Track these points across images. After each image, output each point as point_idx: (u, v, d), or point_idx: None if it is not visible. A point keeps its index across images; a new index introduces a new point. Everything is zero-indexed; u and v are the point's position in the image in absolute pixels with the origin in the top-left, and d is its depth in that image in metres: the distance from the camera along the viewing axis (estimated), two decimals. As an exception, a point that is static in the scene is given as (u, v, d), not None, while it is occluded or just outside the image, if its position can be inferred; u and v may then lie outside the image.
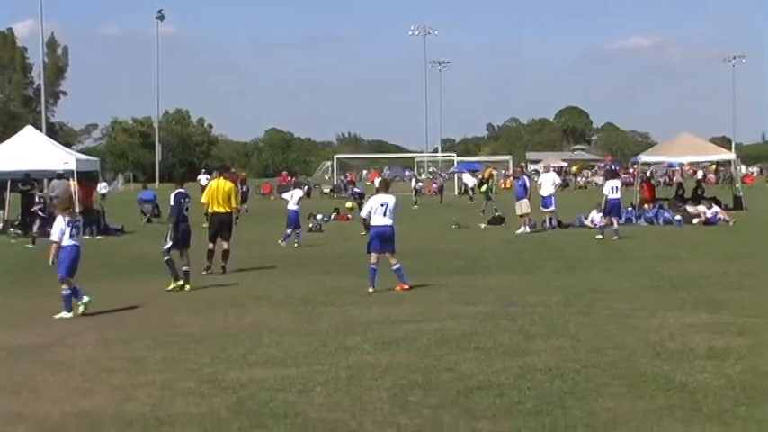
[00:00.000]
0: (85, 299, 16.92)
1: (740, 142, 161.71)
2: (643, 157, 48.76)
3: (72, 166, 39.39)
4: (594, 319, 15.38)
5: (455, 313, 16.34)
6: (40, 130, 60.01)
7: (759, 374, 11.17)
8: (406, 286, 19.38)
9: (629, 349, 12.79)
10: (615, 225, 32.45)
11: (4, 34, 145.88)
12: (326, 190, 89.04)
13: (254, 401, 10.30)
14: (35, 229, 33.76)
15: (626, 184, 50.63)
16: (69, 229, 17.14)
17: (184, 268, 20.63)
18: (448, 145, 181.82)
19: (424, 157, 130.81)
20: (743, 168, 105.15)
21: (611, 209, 33.08)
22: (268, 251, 29.34)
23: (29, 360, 13.10)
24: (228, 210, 24.16)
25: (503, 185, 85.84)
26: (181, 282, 20.33)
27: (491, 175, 64.75)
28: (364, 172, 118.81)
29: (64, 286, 16.96)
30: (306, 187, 48.17)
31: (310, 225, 38.72)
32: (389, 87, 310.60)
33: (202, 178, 75.98)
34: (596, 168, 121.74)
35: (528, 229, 35.59)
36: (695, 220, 39.23)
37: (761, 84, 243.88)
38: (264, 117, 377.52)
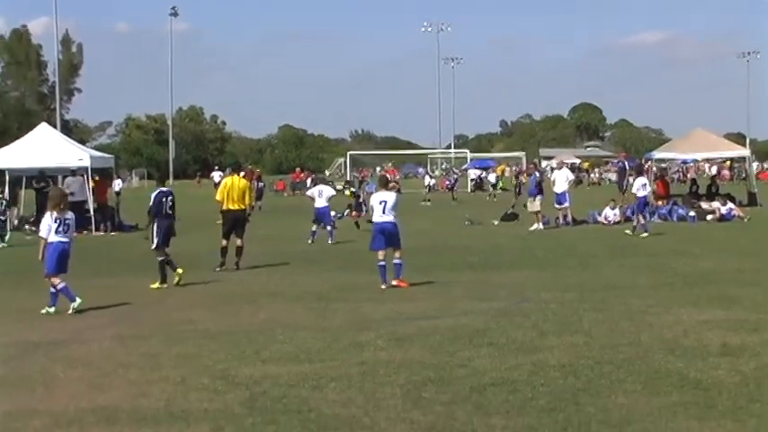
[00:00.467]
0: (77, 302, 16.92)
1: (755, 138, 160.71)
2: (657, 154, 48.63)
3: (86, 162, 39.47)
4: (608, 315, 15.35)
5: (468, 309, 16.33)
6: (55, 127, 60.24)
7: (773, 371, 11.15)
8: (404, 283, 19.35)
9: (644, 346, 12.76)
10: (642, 221, 32.30)
11: (19, 32, 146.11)
12: (340, 186, 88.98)
13: (267, 397, 10.32)
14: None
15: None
16: (56, 225, 17.15)
17: (160, 261, 20.76)
18: (461, 141, 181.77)
19: (437, 153, 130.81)
20: (757, 165, 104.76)
21: (641, 206, 33.01)
22: (282, 248, 29.38)
23: (44, 356, 13.13)
24: (243, 207, 24.21)
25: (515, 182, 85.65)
26: (166, 285, 20.39)
27: (513, 172, 64.87)
28: (378, 168, 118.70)
29: (54, 281, 16.98)
30: (331, 184, 48.01)
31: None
32: (403, 84, 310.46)
33: (215, 175, 76.21)
34: (610, 165, 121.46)
35: (541, 226, 35.56)
36: (709, 217, 39.11)
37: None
38: (277, 114, 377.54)
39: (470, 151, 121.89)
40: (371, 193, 22.49)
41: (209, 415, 9.68)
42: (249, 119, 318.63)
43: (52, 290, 17.00)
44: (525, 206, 38.57)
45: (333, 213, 40.15)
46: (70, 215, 17.43)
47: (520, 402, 9.90)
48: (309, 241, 31.12)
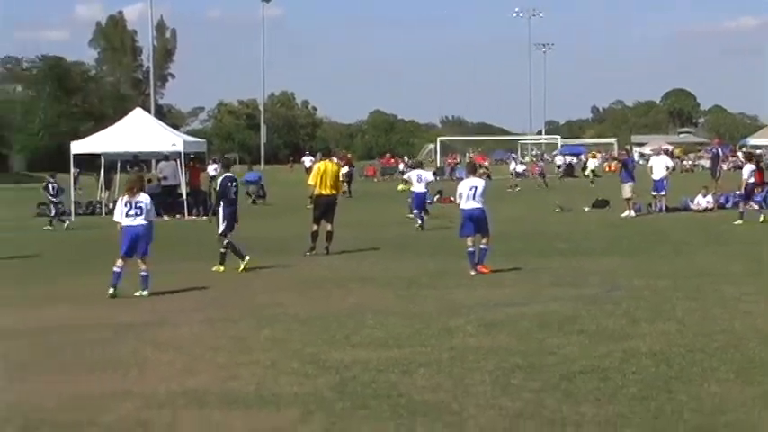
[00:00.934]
0: (145, 293, 17.09)
1: None
2: (751, 140, 47.97)
3: (180, 147, 39.88)
4: (702, 303, 15.14)
5: (558, 296, 16.23)
6: (149, 112, 60.95)
7: None
8: (486, 269, 19.27)
9: (737, 334, 12.57)
10: (745, 208, 31.83)
11: (114, 18, 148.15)
12: (430, 172, 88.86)
13: (357, 382, 10.34)
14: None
15: (736, 167, 49.78)
16: (126, 209, 17.30)
17: (222, 250, 20.98)
18: (552, 127, 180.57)
19: (527, 139, 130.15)
20: None
21: (749, 193, 32.55)
22: (372, 233, 29.43)
23: (135, 338, 13.31)
24: (335, 192, 24.34)
25: (607, 168, 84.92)
26: (248, 259, 20.62)
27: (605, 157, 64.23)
28: (468, 154, 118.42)
29: (118, 262, 17.17)
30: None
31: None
32: (493, 69, 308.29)
33: (306, 160, 76.65)
34: (702, 151, 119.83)
35: (633, 213, 35.17)
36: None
37: None
38: (368, 99, 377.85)
39: (561, 137, 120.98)
40: (461, 178, 22.38)
41: (299, 399, 9.73)
42: (340, 104, 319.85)
43: (142, 273, 17.18)
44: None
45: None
46: (142, 199, 17.37)
47: (610, 390, 9.80)
48: (417, 226, 30.72)
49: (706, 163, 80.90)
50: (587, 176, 72.44)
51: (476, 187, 19.62)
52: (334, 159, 27.60)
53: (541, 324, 13.51)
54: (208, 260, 21.07)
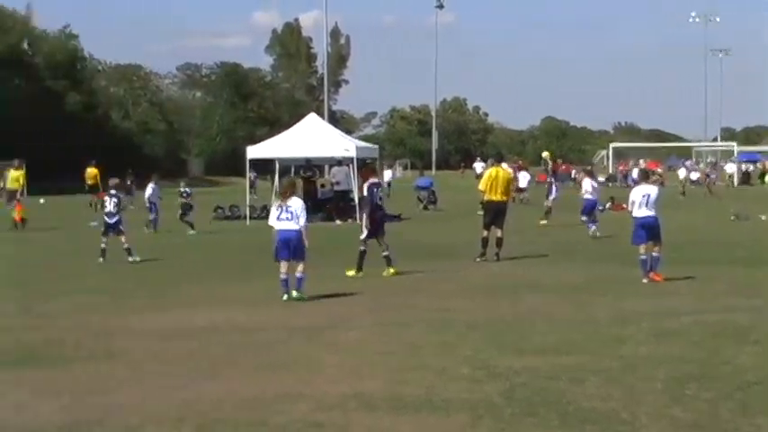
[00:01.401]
0: (294, 294, 17.19)
1: None
2: None
3: (352, 153, 40.18)
4: None
5: (733, 306, 15.91)
6: (323, 117, 61.70)
7: None
8: (658, 277, 18.97)
9: None
10: None
11: (291, 25, 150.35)
12: (602, 179, 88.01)
13: (526, 389, 10.33)
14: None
15: None
16: (278, 213, 17.49)
17: (384, 254, 21.04)
18: (728, 134, 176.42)
19: (701, 146, 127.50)
20: None
21: None
22: (539, 239, 29.28)
23: (307, 341, 13.54)
24: (505, 198, 24.33)
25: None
26: (361, 273, 20.60)
27: None
28: (641, 161, 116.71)
29: (281, 269, 17.33)
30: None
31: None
32: (667, 75, 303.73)
33: (477, 166, 76.63)
34: None
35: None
36: None
37: None
38: (540, 104, 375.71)
39: (738, 144, 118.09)
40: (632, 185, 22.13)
41: (468, 405, 9.76)
42: (511, 110, 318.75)
43: (298, 275, 17.33)
44: None
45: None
46: (293, 204, 17.50)
47: (788, 403, 9.60)
48: (590, 233, 30.26)
49: None
50: (765, 184, 70.61)
51: (649, 195, 19.39)
52: (504, 165, 27.52)
53: (715, 333, 13.28)
54: (378, 265, 21.26)
